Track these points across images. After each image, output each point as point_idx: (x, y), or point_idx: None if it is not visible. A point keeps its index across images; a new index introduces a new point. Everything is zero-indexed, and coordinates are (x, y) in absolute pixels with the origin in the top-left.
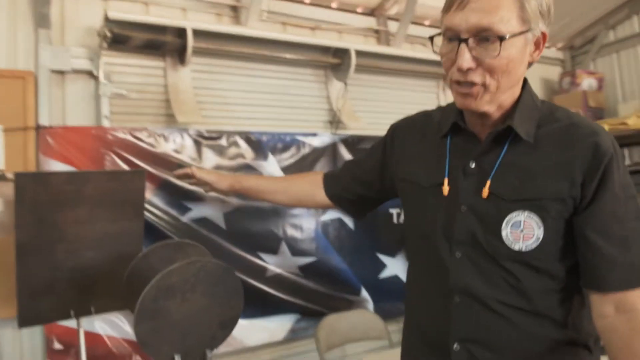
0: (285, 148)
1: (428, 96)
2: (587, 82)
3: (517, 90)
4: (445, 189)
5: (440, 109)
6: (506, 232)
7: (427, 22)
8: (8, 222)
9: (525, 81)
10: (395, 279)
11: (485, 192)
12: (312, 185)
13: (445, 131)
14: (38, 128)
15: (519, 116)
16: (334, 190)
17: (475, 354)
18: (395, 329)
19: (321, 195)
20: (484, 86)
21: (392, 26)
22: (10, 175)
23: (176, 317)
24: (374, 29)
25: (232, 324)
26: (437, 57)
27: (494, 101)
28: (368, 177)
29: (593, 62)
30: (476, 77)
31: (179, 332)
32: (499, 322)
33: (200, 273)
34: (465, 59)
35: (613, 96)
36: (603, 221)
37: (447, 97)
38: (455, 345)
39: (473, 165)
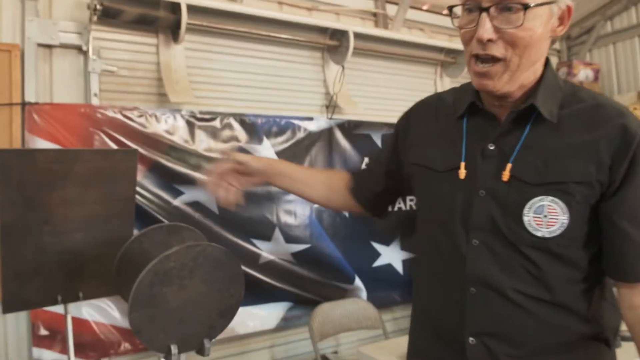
0: (281, 132)
1: (425, 82)
2: (583, 73)
3: (539, 68)
4: (462, 172)
5: (453, 90)
6: (528, 217)
7: (425, 7)
8: None
9: (547, 59)
10: (388, 267)
11: (505, 175)
12: (341, 185)
13: (461, 112)
14: (24, 104)
15: (541, 95)
16: (361, 193)
17: (493, 348)
18: (389, 319)
19: (350, 198)
20: (505, 62)
21: (390, 10)
22: None
23: (173, 304)
24: (371, 12)
25: (231, 313)
26: (435, 43)
27: (514, 81)
28: (386, 169)
29: (589, 53)
30: (497, 50)
31: (175, 320)
32: (517, 313)
33: (199, 258)
34: (486, 28)
35: (609, 88)
36: (633, 207)
37: (444, 84)
38: (470, 339)
39: (492, 147)
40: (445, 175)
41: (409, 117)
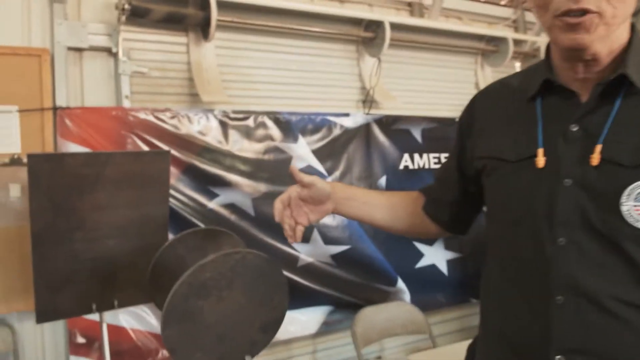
0: (316, 129)
1: (466, 73)
2: None
3: (626, 31)
4: (541, 160)
5: (518, 73)
6: (627, 206)
7: None
8: (25, 209)
9: (632, 24)
10: (432, 268)
11: (595, 158)
12: (416, 206)
13: (532, 92)
14: (55, 109)
15: (632, 63)
16: (435, 208)
17: None
18: (434, 322)
19: (425, 218)
20: (599, 13)
21: None
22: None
23: (210, 319)
24: (406, 2)
25: (275, 326)
26: (475, 30)
27: (608, 37)
28: (456, 173)
29: None
30: (591, 2)
31: (213, 336)
32: (616, 325)
33: (238, 267)
34: None
35: None
36: None
37: (485, 75)
38: (557, 358)
39: (575, 129)
40: (519, 166)
41: (470, 109)
